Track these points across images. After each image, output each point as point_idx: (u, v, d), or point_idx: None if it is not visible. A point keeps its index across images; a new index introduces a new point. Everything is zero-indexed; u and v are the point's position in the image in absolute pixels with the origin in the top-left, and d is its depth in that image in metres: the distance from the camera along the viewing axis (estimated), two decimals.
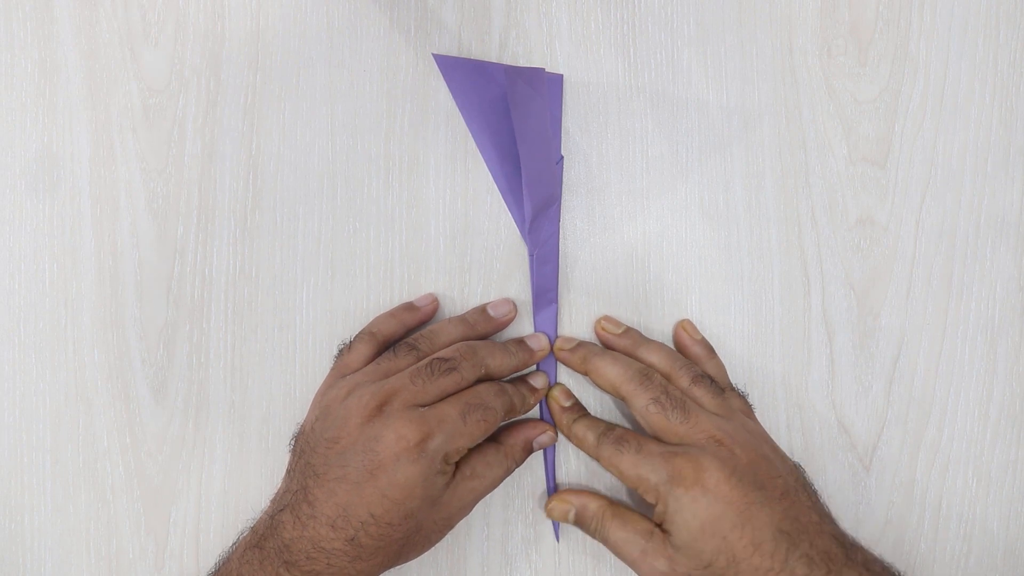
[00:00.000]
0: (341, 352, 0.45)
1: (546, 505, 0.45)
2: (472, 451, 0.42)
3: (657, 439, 0.42)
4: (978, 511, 0.47)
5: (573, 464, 0.47)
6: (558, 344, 0.46)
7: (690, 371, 0.44)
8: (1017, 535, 0.47)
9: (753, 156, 0.47)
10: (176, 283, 0.47)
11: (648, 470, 0.40)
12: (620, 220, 0.47)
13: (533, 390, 0.45)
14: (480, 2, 0.47)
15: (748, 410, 0.45)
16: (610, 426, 0.44)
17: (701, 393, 0.43)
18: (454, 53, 0.47)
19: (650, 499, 0.41)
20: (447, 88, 0.47)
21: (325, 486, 0.39)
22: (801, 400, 0.47)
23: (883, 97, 0.47)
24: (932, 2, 0.47)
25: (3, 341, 0.47)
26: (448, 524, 0.42)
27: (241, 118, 0.47)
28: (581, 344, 0.46)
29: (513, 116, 0.45)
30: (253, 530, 0.41)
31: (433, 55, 0.46)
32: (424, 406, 0.40)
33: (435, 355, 0.42)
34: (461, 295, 0.47)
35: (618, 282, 0.47)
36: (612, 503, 0.44)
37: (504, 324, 0.46)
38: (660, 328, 0.47)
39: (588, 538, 0.46)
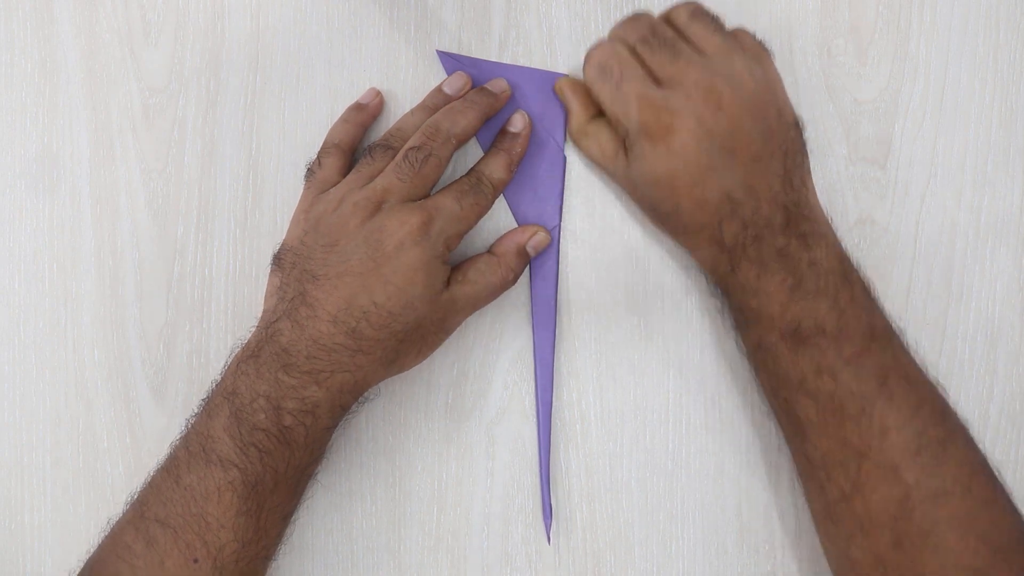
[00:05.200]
0: (311, 171, 0.44)
1: (555, 84, 0.46)
2: (464, 261, 0.43)
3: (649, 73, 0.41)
4: None
5: (573, 464, 0.47)
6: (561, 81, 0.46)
7: (692, 6, 0.42)
8: None
9: None
10: (176, 283, 0.47)
11: (622, 111, 0.41)
12: (620, 220, 0.47)
13: (514, 136, 0.45)
14: (480, 2, 0.47)
15: (760, 51, 0.42)
16: (606, 41, 0.43)
17: (700, 29, 0.41)
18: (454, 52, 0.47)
19: (620, 132, 0.42)
20: None
21: (326, 285, 0.40)
22: None
23: (883, 97, 0.47)
24: (932, 2, 0.47)
25: (3, 341, 0.47)
26: (443, 327, 0.42)
27: (241, 118, 0.47)
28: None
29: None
30: (245, 347, 0.41)
31: (438, 52, 0.47)
32: (417, 200, 0.41)
33: (407, 146, 0.42)
34: None
35: (618, 282, 0.47)
36: (593, 118, 0.44)
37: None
38: (660, 329, 0.47)
39: (588, 538, 0.46)
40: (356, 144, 0.46)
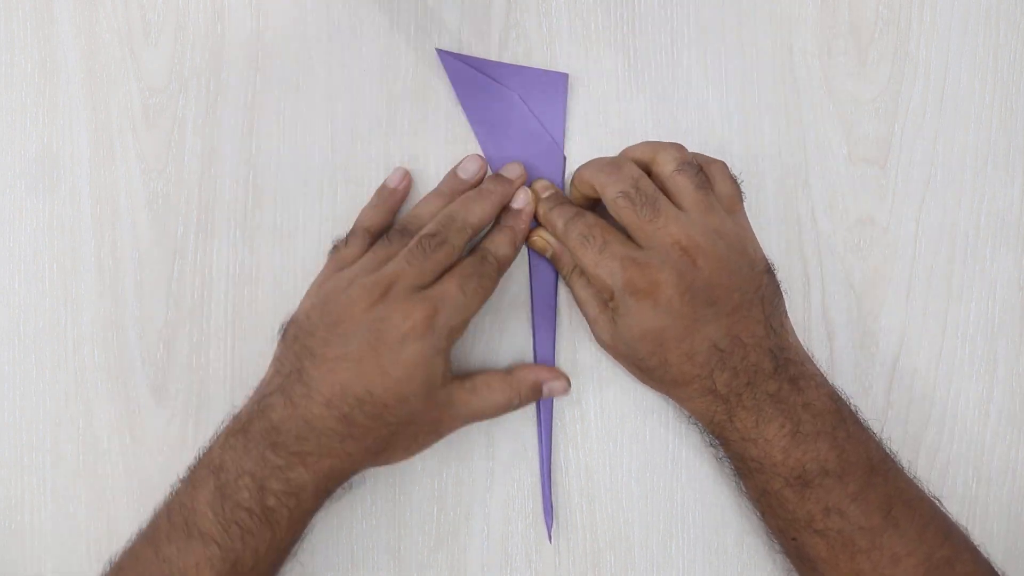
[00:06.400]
0: (336, 247, 0.44)
1: (529, 237, 0.45)
2: (478, 372, 0.43)
3: (626, 234, 0.42)
4: (978, 511, 0.47)
5: (573, 464, 0.47)
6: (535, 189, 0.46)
7: (677, 156, 0.42)
8: (1017, 535, 0.47)
9: (753, 156, 0.47)
10: (176, 283, 0.47)
11: (606, 273, 0.41)
12: None
13: (517, 213, 0.44)
14: (480, 2, 0.47)
15: (734, 202, 0.43)
16: (581, 212, 0.43)
17: (683, 183, 0.42)
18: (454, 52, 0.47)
19: (605, 295, 0.42)
20: (448, 87, 0.47)
21: (323, 365, 0.39)
22: None
23: (883, 97, 0.47)
24: (932, 2, 0.47)
25: (3, 341, 0.47)
26: (436, 430, 0.42)
27: (241, 118, 0.47)
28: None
29: (520, 115, 0.45)
30: (236, 418, 0.41)
31: (438, 51, 0.46)
32: (425, 287, 0.41)
33: (422, 234, 0.42)
34: None
35: None
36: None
37: (478, 182, 0.45)
38: None
39: (588, 538, 0.46)
40: (384, 227, 0.45)
